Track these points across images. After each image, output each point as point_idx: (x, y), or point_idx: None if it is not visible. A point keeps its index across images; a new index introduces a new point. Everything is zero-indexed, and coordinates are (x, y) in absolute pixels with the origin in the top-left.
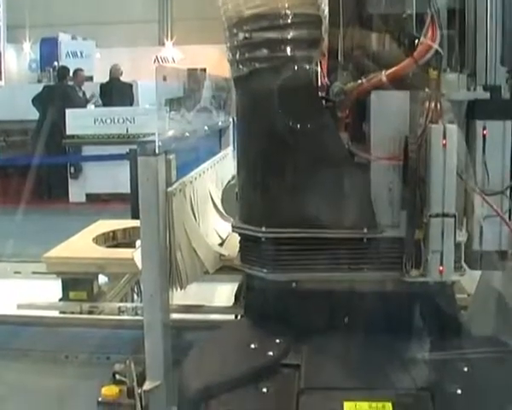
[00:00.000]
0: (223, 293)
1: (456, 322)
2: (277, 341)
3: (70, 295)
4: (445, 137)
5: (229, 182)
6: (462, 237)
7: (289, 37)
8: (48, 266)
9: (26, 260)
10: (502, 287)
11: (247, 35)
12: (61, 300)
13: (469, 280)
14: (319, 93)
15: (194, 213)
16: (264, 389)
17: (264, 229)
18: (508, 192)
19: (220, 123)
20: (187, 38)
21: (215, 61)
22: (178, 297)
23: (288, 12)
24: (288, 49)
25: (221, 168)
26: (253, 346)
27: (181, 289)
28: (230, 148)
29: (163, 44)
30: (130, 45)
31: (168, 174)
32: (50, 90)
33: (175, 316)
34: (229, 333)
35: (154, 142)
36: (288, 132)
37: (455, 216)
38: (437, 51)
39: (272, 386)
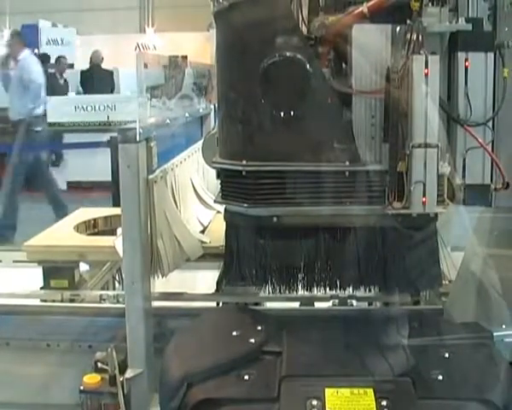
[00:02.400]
0: (204, 280)
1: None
2: (259, 328)
3: (51, 283)
4: (427, 67)
5: (209, 132)
6: (444, 168)
7: None
8: (28, 255)
9: (6, 248)
10: (482, 273)
11: None
12: (42, 288)
13: (451, 267)
14: (300, 28)
15: (176, 201)
16: (246, 376)
17: (244, 162)
18: (490, 124)
19: (201, 110)
20: (168, 25)
21: (196, 48)
22: (160, 285)
23: None
24: None
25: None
26: (234, 333)
27: (162, 276)
28: None
29: (144, 32)
30: (111, 32)
31: (149, 161)
32: None
33: (156, 304)
34: (210, 320)
35: (134, 129)
36: (269, 66)
37: (437, 146)
38: None
39: (254, 373)
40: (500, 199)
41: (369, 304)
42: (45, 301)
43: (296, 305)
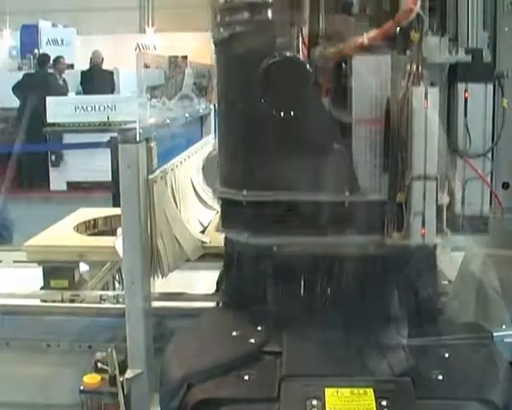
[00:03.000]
0: (204, 280)
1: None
2: (259, 328)
3: (51, 283)
4: (426, 99)
5: (210, 153)
6: (444, 200)
7: (270, 0)
8: (28, 255)
9: (6, 248)
10: (482, 274)
11: None
12: (42, 288)
13: (451, 267)
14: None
15: (176, 201)
16: (246, 377)
17: (245, 192)
18: (489, 155)
19: (201, 110)
20: (168, 25)
21: (196, 48)
22: (160, 285)
23: None
24: (269, 12)
25: (202, 155)
26: (234, 333)
27: (162, 276)
28: (212, 135)
29: (144, 32)
30: (111, 33)
31: (149, 162)
32: (31, 78)
33: (156, 304)
34: (210, 321)
35: (134, 129)
36: (269, 96)
37: (437, 178)
38: (418, 14)
39: (254, 373)
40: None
41: None
42: (45, 301)
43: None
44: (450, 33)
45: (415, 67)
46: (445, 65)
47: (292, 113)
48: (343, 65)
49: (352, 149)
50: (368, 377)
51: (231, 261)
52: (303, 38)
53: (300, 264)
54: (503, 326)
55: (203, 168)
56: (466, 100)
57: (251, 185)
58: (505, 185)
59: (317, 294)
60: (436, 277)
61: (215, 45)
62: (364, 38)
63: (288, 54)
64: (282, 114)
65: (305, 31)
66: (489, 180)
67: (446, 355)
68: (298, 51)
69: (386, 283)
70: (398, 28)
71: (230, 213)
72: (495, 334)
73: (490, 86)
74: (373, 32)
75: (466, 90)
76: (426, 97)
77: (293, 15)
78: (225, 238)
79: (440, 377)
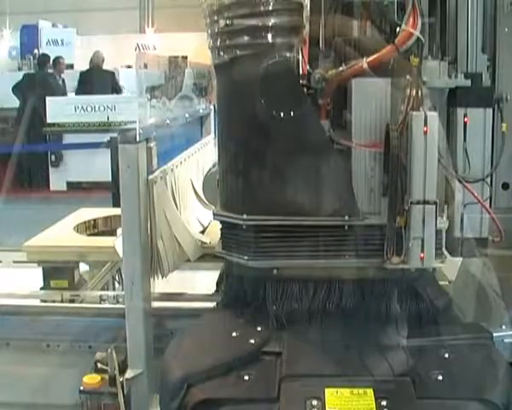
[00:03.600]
0: (204, 281)
1: (436, 311)
2: (259, 329)
3: (51, 283)
4: (426, 124)
5: (209, 170)
6: (442, 224)
7: (270, 24)
8: (28, 255)
9: (6, 249)
10: (481, 274)
11: (227, 22)
12: (42, 288)
13: (451, 267)
14: (300, 81)
15: (176, 201)
16: (246, 377)
17: (245, 216)
18: (488, 180)
19: (201, 110)
20: (168, 25)
21: (196, 48)
22: (160, 285)
23: None
24: (269, 36)
25: (202, 156)
26: (234, 334)
27: (162, 277)
28: (212, 135)
29: (144, 32)
30: (111, 33)
31: (149, 162)
32: (31, 78)
33: (156, 304)
34: (210, 321)
35: (134, 129)
36: (269, 120)
37: (436, 203)
38: (418, 38)
39: (254, 373)
40: (499, 200)
41: None
42: (45, 301)
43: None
44: (450, 56)
45: (414, 92)
46: (445, 89)
47: (292, 141)
48: (343, 87)
49: (352, 173)
50: (368, 377)
51: (232, 284)
52: (304, 61)
53: (300, 287)
54: (503, 327)
55: (203, 185)
56: (465, 124)
57: (251, 210)
58: (505, 186)
59: (317, 315)
60: (436, 296)
61: (215, 69)
62: (364, 62)
63: (278, 58)
64: (282, 145)
65: (306, 53)
66: (488, 205)
67: (446, 356)
68: (298, 74)
69: (385, 304)
70: (399, 52)
71: (230, 237)
72: (495, 334)
73: (489, 111)
74: (373, 56)
75: (465, 115)
76: (425, 123)
77: (294, 37)
78: (225, 261)
79: (440, 378)
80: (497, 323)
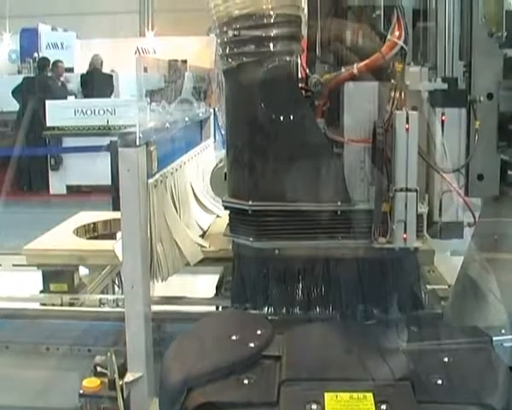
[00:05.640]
0: (204, 284)
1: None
2: (258, 332)
3: (51, 287)
4: (407, 122)
5: (217, 165)
6: (423, 209)
7: (272, 34)
8: (28, 258)
9: (6, 252)
10: (481, 278)
11: (235, 32)
12: (41, 292)
13: (450, 271)
14: (299, 84)
15: (176, 205)
16: (246, 381)
17: (250, 202)
18: (463, 170)
19: (201, 114)
20: (168, 29)
21: (196, 52)
22: (159, 289)
23: (272, 12)
24: (272, 45)
25: (202, 159)
26: (234, 337)
27: (162, 280)
28: (211, 139)
29: (144, 35)
30: (110, 36)
31: (149, 166)
32: (30, 82)
33: (156, 308)
34: (210, 325)
35: (134, 133)
36: (272, 119)
37: (416, 190)
38: (402, 47)
39: (253, 377)
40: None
41: None
42: (45, 304)
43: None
44: (430, 63)
45: (398, 94)
46: (425, 92)
47: (291, 138)
48: (336, 90)
49: (344, 165)
50: (367, 381)
51: (239, 263)
52: (302, 67)
53: (299, 265)
54: (503, 331)
55: (210, 180)
56: (443, 122)
57: (255, 197)
58: (480, 177)
59: (313, 291)
60: (418, 274)
61: (224, 74)
62: (355, 69)
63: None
64: (283, 141)
65: (304, 59)
66: (462, 193)
67: (446, 360)
68: (297, 78)
69: (373, 280)
70: (385, 59)
71: (237, 221)
72: (494, 338)
73: (464, 110)
74: (362, 63)
75: (443, 114)
76: (407, 121)
77: (293, 46)
78: (233, 242)
79: (440, 382)
80: (496, 327)
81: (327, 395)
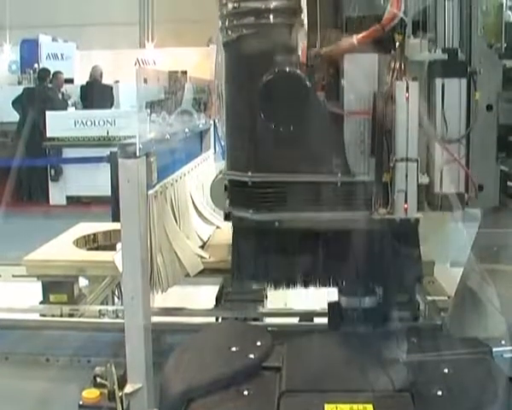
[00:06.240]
0: (203, 295)
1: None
2: (258, 343)
3: (50, 297)
4: (407, 92)
5: (216, 176)
6: (424, 179)
7: (272, 6)
8: (28, 269)
9: (6, 263)
10: (481, 289)
11: (235, 5)
12: (41, 303)
13: (450, 282)
14: (300, 58)
15: (175, 216)
16: (246, 392)
17: (250, 174)
18: (464, 140)
19: (201, 125)
20: (168, 40)
21: (196, 63)
22: (159, 300)
23: None
24: (271, 17)
25: (202, 171)
26: (233, 349)
27: (162, 291)
28: (211, 150)
29: (144, 47)
30: (110, 48)
31: (149, 177)
32: (31, 93)
33: (156, 319)
34: (210, 336)
35: (134, 144)
36: (271, 89)
37: (417, 160)
38: (401, 18)
39: (253, 389)
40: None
41: None
42: (44, 315)
43: (295, 321)
44: (430, 35)
45: (398, 65)
46: (425, 62)
47: (291, 109)
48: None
49: (344, 137)
50: (367, 392)
51: (238, 236)
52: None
53: (299, 237)
54: (503, 342)
55: (210, 191)
56: (443, 93)
57: (255, 168)
58: (480, 188)
59: (313, 263)
60: (418, 247)
61: (224, 46)
62: (354, 39)
63: (286, 69)
64: (283, 112)
65: (304, 32)
66: (463, 163)
67: (446, 371)
68: (297, 50)
69: (374, 252)
70: (384, 31)
71: (237, 194)
72: (494, 349)
73: (464, 81)
74: (362, 34)
75: (443, 85)
76: (407, 90)
77: (293, 19)
78: (233, 216)
79: (440, 393)
80: (496, 338)
81: (327, 407)
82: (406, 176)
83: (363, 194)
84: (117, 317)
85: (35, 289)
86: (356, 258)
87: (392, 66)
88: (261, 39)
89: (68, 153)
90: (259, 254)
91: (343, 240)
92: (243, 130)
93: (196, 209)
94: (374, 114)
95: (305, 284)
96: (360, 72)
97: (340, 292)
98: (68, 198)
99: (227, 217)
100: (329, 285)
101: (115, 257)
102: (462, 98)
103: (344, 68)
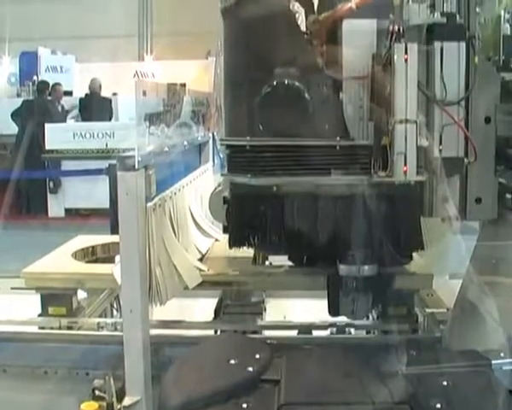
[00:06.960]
0: (202, 308)
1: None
2: (257, 356)
3: (49, 310)
4: (406, 53)
5: (215, 189)
6: (423, 142)
7: None
8: (27, 282)
9: (4, 275)
10: (480, 301)
11: None
12: (40, 315)
13: (449, 295)
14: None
15: (174, 229)
16: (244, 405)
17: (248, 138)
18: (463, 103)
19: (200, 138)
20: (167, 53)
21: (195, 76)
22: (158, 313)
23: None
24: None
25: (201, 183)
26: (232, 361)
27: (160, 304)
28: (210, 163)
29: (143, 59)
30: (109, 60)
31: (148, 189)
32: (30, 105)
33: (155, 331)
34: (209, 349)
35: (133, 157)
36: (270, 55)
37: (416, 122)
38: None
39: (252, 402)
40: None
41: (368, 332)
42: (43, 328)
43: (294, 333)
44: (429, 1)
45: (396, 28)
46: (423, 26)
47: (290, 73)
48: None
49: (343, 101)
50: (367, 405)
51: (236, 202)
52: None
53: (297, 202)
54: (502, 354)
55: (209, 203)
56: (442, 56)
57: (254, 133)
58: (478, 200)
59: (311, 228)
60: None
61: (222, 13)
62: (353, 4)
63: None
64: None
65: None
66: (463, 125)
67: (445, 383)
68: (295, 15)
69: (373, 216)
70: None
71: (235, 159)
72: (493, 362)
73: (462, 44)
74: None
75: (442, 48)
76: (406, 52)
77: None
78: (230, 182)
79: (439, 405)
80: (495, 350)
81: None
82: (406, 138)
83: (362, 158)
84: (115, 329)
85: (34, 301)
86: (355, 223)
87: (391, 28)
88: (260, 5)
89: (67, 165)
90: (257, 220)
91: (341, 204)
92: (242, 95)
93: (195, 222)
94: (373, 77)
95: (302, 250)
96: (359, 36)
97: (339, 260)
98: (67, 210)
99: (225, 229)
100: (329, 252)
101: (114, 270)
102: (461, 62)
103: (342, 33)
